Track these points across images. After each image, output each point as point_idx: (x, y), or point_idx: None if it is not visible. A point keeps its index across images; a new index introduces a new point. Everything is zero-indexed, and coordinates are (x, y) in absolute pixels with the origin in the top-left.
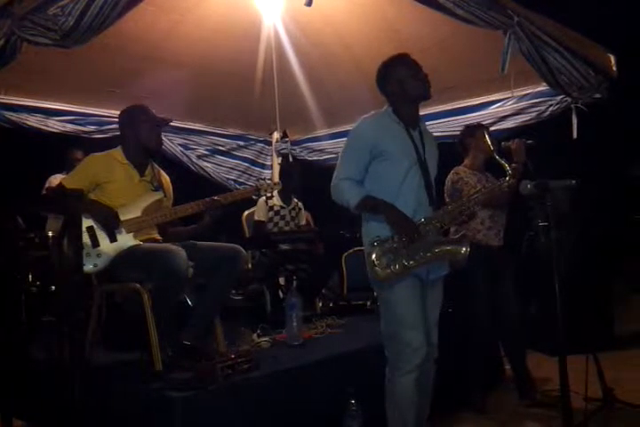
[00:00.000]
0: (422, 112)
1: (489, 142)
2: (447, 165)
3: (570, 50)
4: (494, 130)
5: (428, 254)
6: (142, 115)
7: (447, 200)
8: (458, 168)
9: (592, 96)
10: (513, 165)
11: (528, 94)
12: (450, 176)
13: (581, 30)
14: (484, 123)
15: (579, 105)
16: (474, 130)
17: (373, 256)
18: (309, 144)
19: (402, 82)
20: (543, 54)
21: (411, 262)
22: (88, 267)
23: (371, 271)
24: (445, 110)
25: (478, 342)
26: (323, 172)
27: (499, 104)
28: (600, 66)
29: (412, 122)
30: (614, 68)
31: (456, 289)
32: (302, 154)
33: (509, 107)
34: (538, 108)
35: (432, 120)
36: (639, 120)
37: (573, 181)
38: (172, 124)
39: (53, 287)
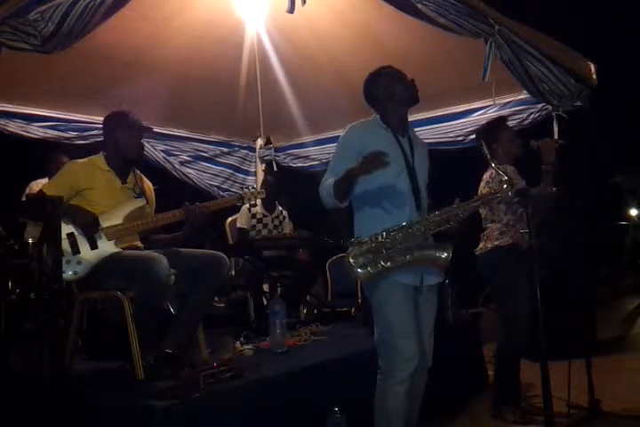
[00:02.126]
0: None
1: (513, 143)
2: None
3: (550, 58)
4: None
5: (408, 257)
6: (122, 122)
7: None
8: (490, 171)
9: (572, 104)
10: (543, 166)
11: (509, 102)
12: (485, 177)
13: (562, 39)
14: (466, 130)
15: (559, 113)
16: (496, 132)
17: (350, 256)
18: (293, 151)
19: (389, 87)
20: (524, 62)
21: (388, 264)
22: (68, 274)
23: (350, 272)
24: (427, 118)
25: (519, 343)
26: (307, 179)
27: (481, 112)
28: (580, 74)
29: (400, 129)
30: (594, 77)
31: (501, 293)
32: (286, 160)
33: (491, 114)
34: (519, 116)
35: (415, 127)
36: (623, 128)
37: (554, 188)
38: (154, 129)
39: (33, 295)
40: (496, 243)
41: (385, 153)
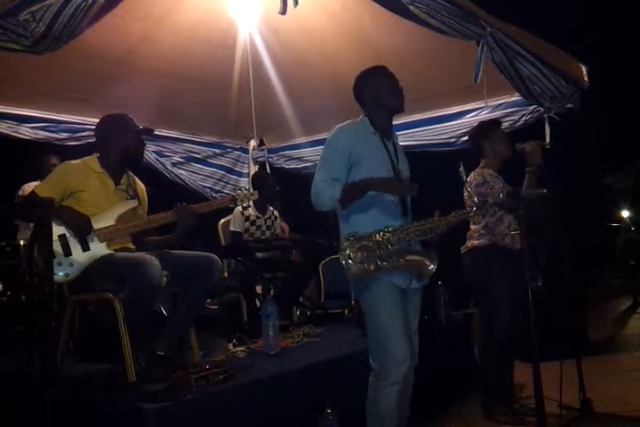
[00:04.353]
0: (397, 121)
1: (504, 146)
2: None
3: (542, 60)
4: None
5: (401, 260)
6: (128, 124)
7: (466, 202)
8: (482, 170)
9: (564, 106)
10: (528, 168)
11: (502, 104)
12: (474, 177)
13: (553, 41)
14: (458, 132)
15: (551, 115)
16: (488, 131)
17: (348, 250)
18: (286, 152)
19: (377, 92)
20: (515, 64)
21: (384, 264)
22: (60, 276)
23: (345, 264)
24: (420, 120)
25: (500, 343)
26: (299, 180)
27: (473, 113)
28: (572, 76)
29: (386, 132)
30: (585, 78)
31: (480, 292)
32: (279, 162)
33: (483, 116)
34: (511, 118)
35: (407, 129)
36: (614, 129)
37: (545, 190)
38: (154, 131)
39: (24, 297)
40: (475, 243)
41: (415, 186)
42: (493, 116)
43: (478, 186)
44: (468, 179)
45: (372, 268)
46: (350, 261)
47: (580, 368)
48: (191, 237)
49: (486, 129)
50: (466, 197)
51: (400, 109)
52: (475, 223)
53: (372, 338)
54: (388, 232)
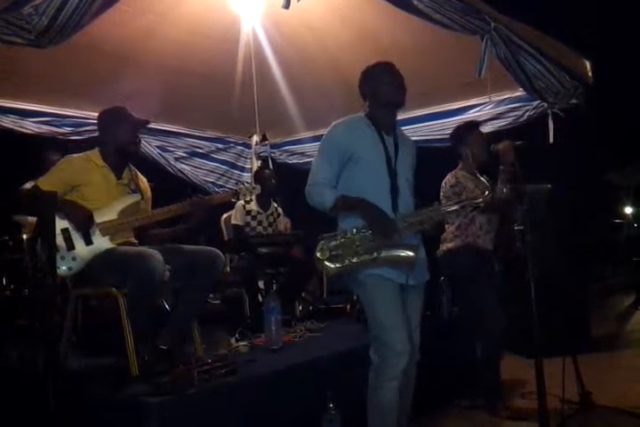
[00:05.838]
0: (401, 116)
1: (481, 150)
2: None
3: (546, 55)
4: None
5: (374, 254)
6: (121, 116)
7: (443, 202)
8: (456, 172)
9: (568, 101)
10: (501, 167)
11: (505, 99)
12: (448, 179)
13: (557, 36)
14: None
15: (555, 110)
16: (466, 135)
17: (317, 250)
18: (289, 147)
19: (377, 87)
20: (519, 60)
21: (354, 260)
22: (62, 270)
23: (318, 266)
24: (424, 115)
25: (490, 342)
26: (302, 174)
27: (476, 109)
28: (576, 71)
29: (386, 127)
30: (590, 74)
31: (462, 293)
32: (282, 157)
33: (487, 111)
34: (515, 113)
35: (411, 124)
36: (617, 126)
37: (549, 185)
38: (149, 125)
39: (27, 291)
40: (450, 246)
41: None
42: (497, 111)
43: (452, 187)
44: (444, 182)
45: (342, 265)
46: (322, 261)
47: (577, 362)
48: (194, 232)
49: (463, 132)
50: (442, 200)
51: (399, 105)
52: (447, 223)
53: (372, 331)
54: (364, 228)
